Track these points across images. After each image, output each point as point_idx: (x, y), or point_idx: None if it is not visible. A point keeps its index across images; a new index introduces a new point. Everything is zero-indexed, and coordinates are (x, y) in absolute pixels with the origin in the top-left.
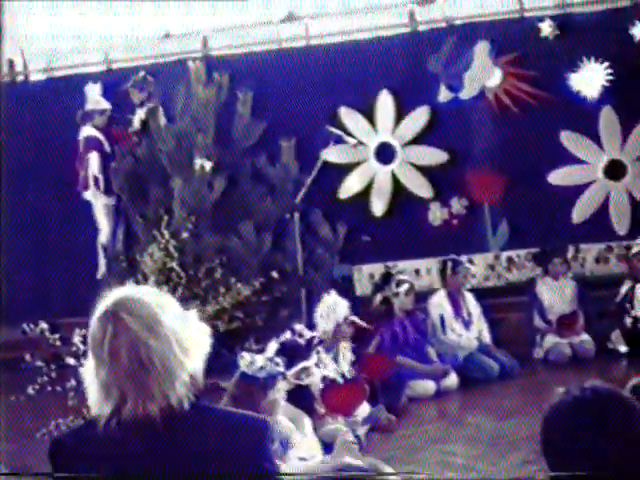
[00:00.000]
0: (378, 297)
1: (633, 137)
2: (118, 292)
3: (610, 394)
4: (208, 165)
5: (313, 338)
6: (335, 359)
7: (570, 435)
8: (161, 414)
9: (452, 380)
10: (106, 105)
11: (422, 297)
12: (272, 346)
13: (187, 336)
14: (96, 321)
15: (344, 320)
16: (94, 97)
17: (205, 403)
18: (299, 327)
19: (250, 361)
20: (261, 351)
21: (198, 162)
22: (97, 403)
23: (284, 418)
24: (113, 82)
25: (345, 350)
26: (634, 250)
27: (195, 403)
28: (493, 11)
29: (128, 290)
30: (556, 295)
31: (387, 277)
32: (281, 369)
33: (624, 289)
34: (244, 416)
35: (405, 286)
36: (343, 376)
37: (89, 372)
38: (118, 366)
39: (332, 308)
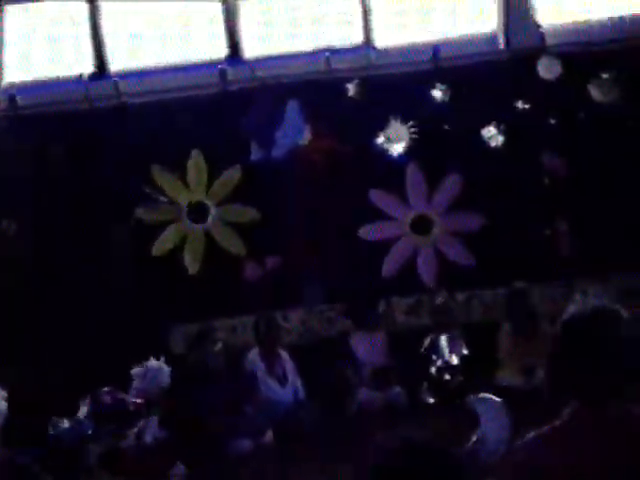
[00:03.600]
0: (192, 357)
1: (437, 193)
2: None
3: (422, 444)
4: (12, 227)
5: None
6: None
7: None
8: None
9: (268, 437)
10: None
11: (239, 354)
12: (82, 409)
13: None
14: None
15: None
16: None
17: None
18: (107, 389)
19: (56, 424)
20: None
21: (4, 224)
22: None
23: None
24: None
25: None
26: (437, 301)
27: None
28: (303, 71)
29: None
30: (368, 348)
31: (201, 336)
32: (89, 431)
33: (427, 340)
34: None
35: (219, 345)
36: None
37: None
38: None
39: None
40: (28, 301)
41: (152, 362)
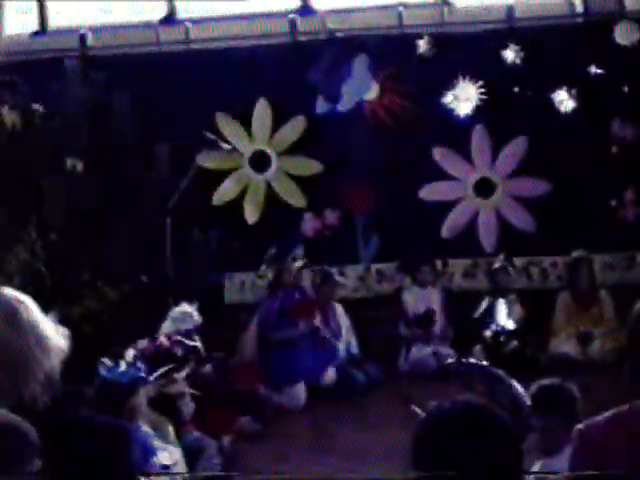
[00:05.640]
0: (271, 269)
1: (503, 156)
2: None
3: (481, 408)
4: (80, 165)
5: (181, 344)
6: None
7: (440, 448)
8: (12, 412)
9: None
10: None
11: None
12: (129, 352)
13: (46, 335)
14: None
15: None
16: None
17: (62, 407)
18: (164, 333)
19: (112, 366)
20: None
21: (70, 162)
22: None
23: (145, 425)
24: None
25: None
26: (495, 265)
27: (51, 406)
28: (373, 25)
29: None
30: (422, 303)
31: (283, 253)
32: (142, 374)
33: (484, 304)
34: (103, 421)
35: (299, 262)
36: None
37: None
38: None
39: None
40: (91, 240)
41: (184, 305)
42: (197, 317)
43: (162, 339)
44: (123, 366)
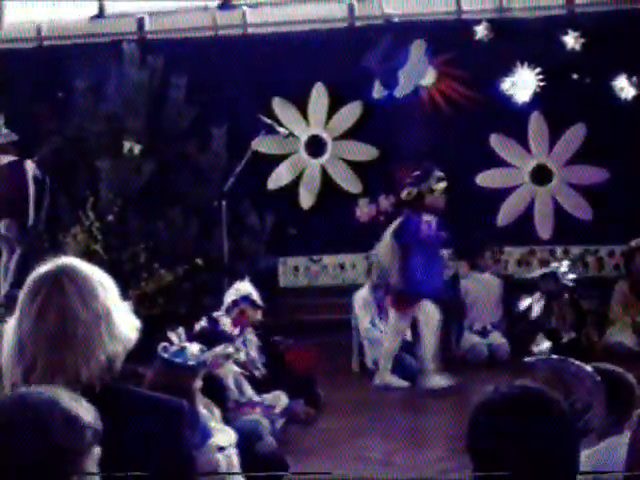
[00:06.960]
0: (414, 190)
1: (560, 143)
2: (65, 259)
3: (538, 393)
4: (137, 148)
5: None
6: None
7: (496, 432)
8: (68, 388)
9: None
10: None
11: (347, 292)
12: (173, 335)
13: (116, 320)
14: (34, 278)
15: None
16: None
17: (118, 385)
18: (217, 314)
19: (179, 349)
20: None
21: (127, 145)
22: (9, 364)
23: (200, 406)
24: (44, 59)
25: (251, 335)
26: (546, 270)
27: (107, 386)
28: (431, 11)
29: (75, 260)
30: (483, 288)
31: (428, 172)
32: (204, 357)
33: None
34: (159, 399)
35: (443, 183)
36: (253, 363)
37: (11, 329)
38: (41, 326)
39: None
40: (147, 222)
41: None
42: (249, 288)
43: (217, 318)
44: (194, 349)
